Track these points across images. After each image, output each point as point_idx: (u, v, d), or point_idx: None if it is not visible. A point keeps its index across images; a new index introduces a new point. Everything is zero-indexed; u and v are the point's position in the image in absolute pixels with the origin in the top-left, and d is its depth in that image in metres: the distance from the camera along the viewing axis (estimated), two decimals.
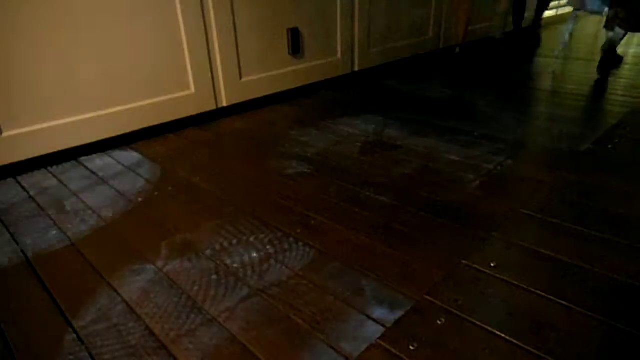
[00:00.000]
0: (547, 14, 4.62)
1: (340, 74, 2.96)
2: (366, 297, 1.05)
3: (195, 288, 1.10)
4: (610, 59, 3.06)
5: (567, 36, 3.41)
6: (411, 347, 0.90)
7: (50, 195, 1.61)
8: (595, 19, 5.52)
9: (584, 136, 2.01)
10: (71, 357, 0.92)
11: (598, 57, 3.03)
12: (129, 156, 1.94)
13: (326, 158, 1.85)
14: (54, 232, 1.37)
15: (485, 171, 1.69)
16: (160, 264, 1.20)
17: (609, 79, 2.94)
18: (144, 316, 1.02)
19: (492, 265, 1.15)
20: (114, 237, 1.34)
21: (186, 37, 2.10)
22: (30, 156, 1.80)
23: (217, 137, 2.15)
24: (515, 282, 1.08)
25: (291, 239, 1.29)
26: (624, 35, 2.95)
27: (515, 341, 0.91)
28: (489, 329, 0.95)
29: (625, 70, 3.15)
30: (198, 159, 1.89)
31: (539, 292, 1.05)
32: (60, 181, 1.72)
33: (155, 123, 2.13)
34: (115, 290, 1.10)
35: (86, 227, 1.39)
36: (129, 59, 1.96)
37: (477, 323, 0.96)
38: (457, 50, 3.68)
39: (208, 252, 1.25)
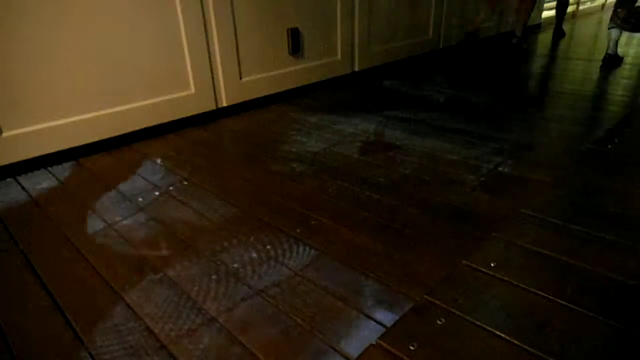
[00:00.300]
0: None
1: (340, 74, 2.97)
2: (366, 297, 1.05)
3: (195, 288, 1.10)
4: (611, 59, 3.07)
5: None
6: (411, 347, 0.90)
7: (50, 195, 1.61)
8: (595, 19, 5.53)
9: (584, 136, 2.02)
10: (71, 357, 0.92)
11: (598, 57, 3.03)
12: (129, 156, 1.94)
13: (326, 158, 1.85)
14: (54, 232, 1.37)
15: (485, 171, 1.69)
16: (160, 264, 1.20)
17: (609, 79, 2.94)
18: (144, 316, 1.01)
19: (492, 265, 1.15)
20: (113, 237, 1.34)
21: (186, 37, 2.10)
22: (30, 156, 1.80)
23: (217, 137, 2.15)
24: (515, 282, 1.08)
25: (291, 239, 1.29)
26: (620, 35, 2.96)
27: (515, 341, 0.91)
28: (489, 329, 0.95)
29: (626, 70, 3.15)
30: (198, 159, 1.89)
31: (539, 292, 1.05)
32: (60, 181, 1.72)
33: (155, 123, 2.13)
34: (116, 291, 1.10)
35: (86, 227, 1.39)
36: (129, 59, 1.96)
37: (477, 323, 0.96)
38: (515, 40, 3.80)
39: (208, 252, 1.25)
